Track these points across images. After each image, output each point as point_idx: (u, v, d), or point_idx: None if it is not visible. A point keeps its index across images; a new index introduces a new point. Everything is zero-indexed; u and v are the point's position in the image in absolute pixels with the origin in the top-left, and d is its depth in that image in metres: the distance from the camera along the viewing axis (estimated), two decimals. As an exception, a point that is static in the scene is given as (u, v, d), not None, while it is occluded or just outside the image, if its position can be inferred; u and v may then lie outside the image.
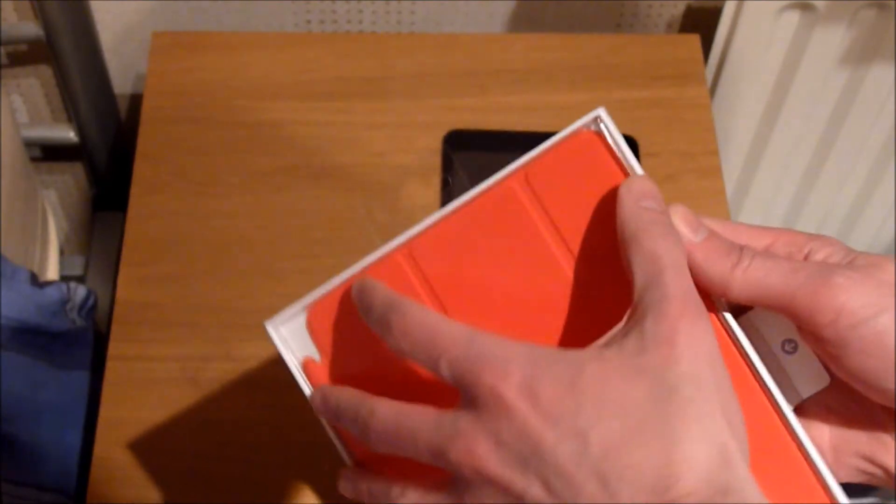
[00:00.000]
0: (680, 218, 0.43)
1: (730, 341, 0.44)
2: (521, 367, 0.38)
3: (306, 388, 0.46)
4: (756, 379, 0.43)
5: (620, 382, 0.38)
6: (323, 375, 0.45)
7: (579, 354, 0.39)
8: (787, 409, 0.43)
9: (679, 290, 0.39)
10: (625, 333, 0.40)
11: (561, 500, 0.37)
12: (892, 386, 0.41)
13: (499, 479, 0.38)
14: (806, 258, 0.44)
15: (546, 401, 0.37)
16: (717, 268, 0.42)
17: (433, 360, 0.40)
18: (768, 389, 0.43)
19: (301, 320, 0.45)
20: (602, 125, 0.45)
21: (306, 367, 0.45)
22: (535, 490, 0.37)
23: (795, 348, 0.44)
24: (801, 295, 0.41)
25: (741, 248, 0.43)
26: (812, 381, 0.44)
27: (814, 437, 0.44)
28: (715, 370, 0.39)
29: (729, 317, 0.44)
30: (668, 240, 0.41)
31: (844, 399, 0.45)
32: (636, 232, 0.41)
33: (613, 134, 0.45)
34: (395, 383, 0.44)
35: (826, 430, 0.45)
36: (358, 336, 0.44)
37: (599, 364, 0.38)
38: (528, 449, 0.37)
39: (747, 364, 0.43)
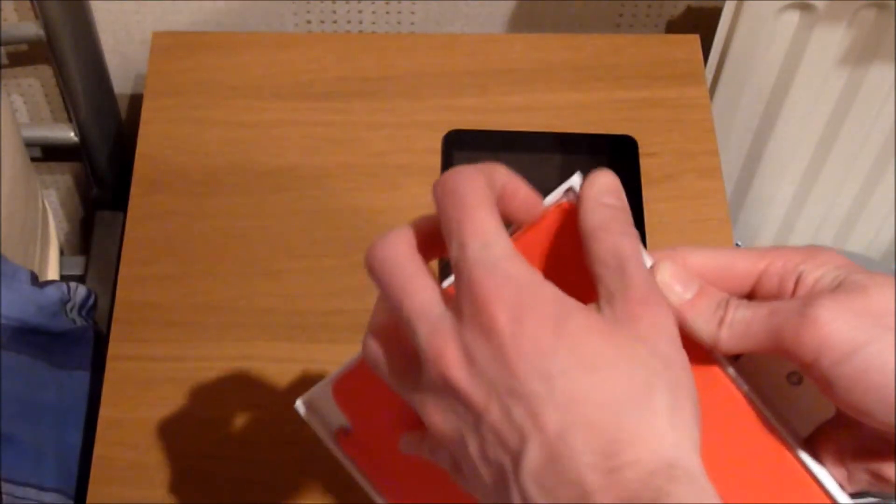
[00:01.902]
0: (670, 275, 0.43)
1: (733, 385, 0.44)
2: (516, 292, 0.39)
3: (340, 456, 0.48)
4: (761, 417, 0.44)
5: (599, 339, 0.39)
6: (355, 443, 0.48)
7: (573, 302, 0.40)
8: (797, 445, 0.43)
9: (641, 279, 0.40)
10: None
11: (517, 430, 0.38)
12: (888, 419, 0.41)
13: (462, 390, 0.39)
14: (797, 284, 0.43)
15: (528, 332, 0.38)
16: (706, 328, 0.43)
17: (453, 234, 0.43)
18: (776, 427, 0.44)
19: (329, 394, 0.48)
20: (575, 194, 0.44)
21: (338, 436, 0.48)
22: (494, 413, 0.38)
23: (801, 380, 0.44)
24: (783, 338, 0.41)
25: (727, 302, 0.43)
26: (819, 411, 0.44)
27: (825, 458, 0.44)
28: (678, 353, 0.40)
29: (730, 369, 0.44)
30: (626, 235, 0.42)
31: (851, 420, 0.45)
32: (596, 228, 0.42)
33: None
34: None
35: (835, 449, 0.45)
36: (382, 401, 0.46)
37: (586, 316, 0.39)
38: (497, 373, 0.38)
39: (751, 404, 0.44)
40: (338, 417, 0.48)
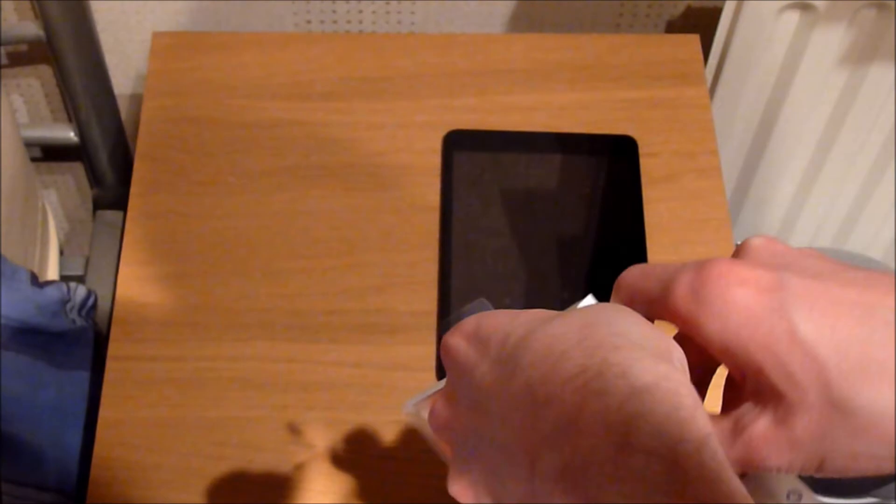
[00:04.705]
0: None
1: None
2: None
3: (445, 458, 0.49)
4: None
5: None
6: None
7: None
8: None
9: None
10: None
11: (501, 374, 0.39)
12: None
13: (462, 352, 0.41)
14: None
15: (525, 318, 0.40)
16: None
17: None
18: None
19: (426, 404, 0.49)
20: None
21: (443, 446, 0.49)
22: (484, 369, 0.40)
23: (800, 497, 0.44)
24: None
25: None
26: None
27: None
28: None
29: None
30: None
31: None
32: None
33: None
34: None
35: None
36: None
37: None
38: (491, 335, 0.41)
39: None
40: None
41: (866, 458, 0.38)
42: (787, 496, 0.44)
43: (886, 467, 0.39)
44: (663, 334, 0.39)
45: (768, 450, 0.39)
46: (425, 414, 0.48)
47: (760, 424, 0.39)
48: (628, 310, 0.40)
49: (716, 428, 0.40)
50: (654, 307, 0.41)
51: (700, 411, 0.35)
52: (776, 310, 0.38)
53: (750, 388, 0.40)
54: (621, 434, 0.34)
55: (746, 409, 0.40)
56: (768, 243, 0.41)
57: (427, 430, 0.48)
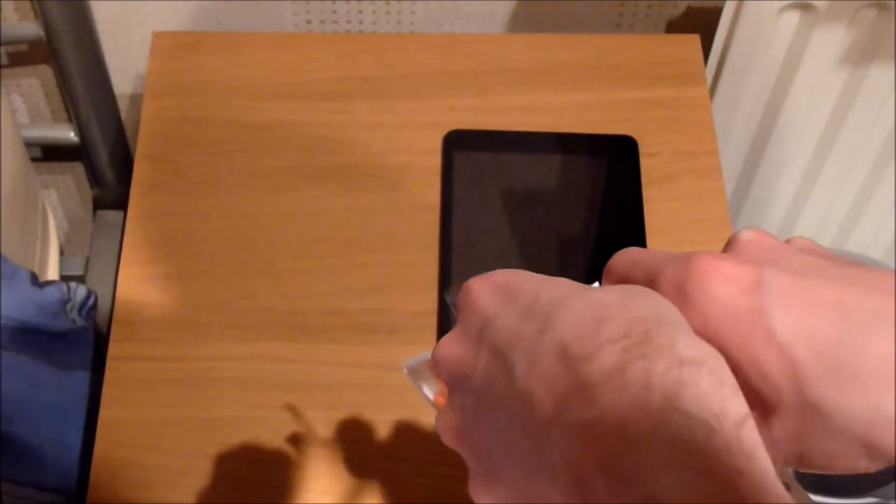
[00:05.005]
0: None
1: None
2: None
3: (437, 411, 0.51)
4: None
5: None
6: None
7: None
8: None
9: None
10: None
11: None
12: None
13: (485, 306, 0.42)
14: None
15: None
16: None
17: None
18: None
19: (426, 366, 0.50)
20: None
21: (438, 401, 0.50)
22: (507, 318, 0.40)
23: (788, 489, 0.45)
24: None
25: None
26: None
27: None
28: None
29: None
30: None
31: None
32: None
33: None
34: None
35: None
36: None
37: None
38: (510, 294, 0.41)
39: None
40: (435, 384, 0.51)
41: (842, 458, 0.38)
42: None
43: (864, 467, 0.39)
44: None
45: None
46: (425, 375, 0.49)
47: None
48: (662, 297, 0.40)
49: None
50: None
51: (740, 393, 0.35)
52: (755, 309, 0.38)
53: None
54: (664, 396, 0.33)
55: None
56: (757, 237, 0.41)
57: (424, 387, 0.50)
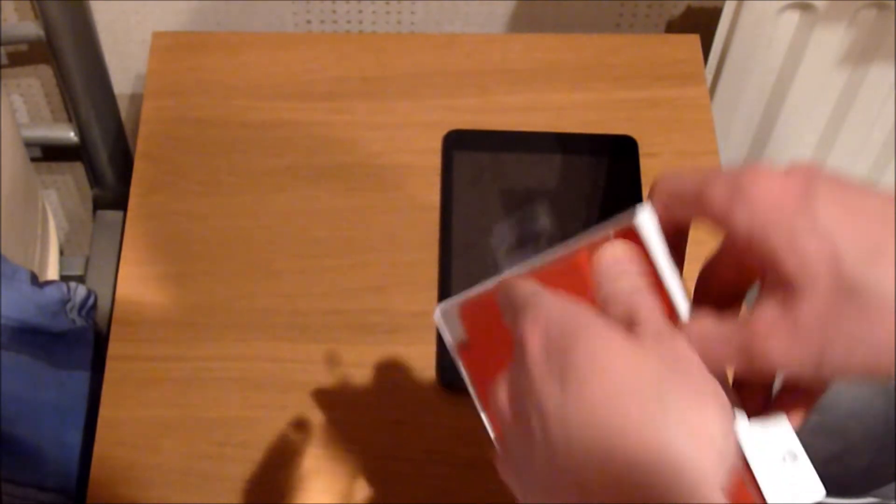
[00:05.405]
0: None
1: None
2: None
3: (459, 364, 0.52)
4: (757, 488, 0.45)
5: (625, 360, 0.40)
6: (471, 358, 0.53)
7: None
8: None
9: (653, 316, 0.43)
10: None
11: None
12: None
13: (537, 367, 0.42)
14: None
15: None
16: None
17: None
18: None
19: (457, 310, 0.52)
20: (643, 227, 0.46)
21: (460, 348, 0.52)
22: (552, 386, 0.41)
23: (795, 458, 0.45)
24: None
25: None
26: (810, 491, 0.45)
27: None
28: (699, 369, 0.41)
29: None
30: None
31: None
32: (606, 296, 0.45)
33: (648, 239, 0.47)
34: None
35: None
36: (496, 331, 0.49)
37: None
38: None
39: (751, 474, 0.45)
40: (462, 332, 0.52)
41: (865, 348, 0.39)
42: (783, 458, 0.45)
43: (885, 364, 0.40)
44: (715, 384, 0.41)
45: (770, 336, 0.40)
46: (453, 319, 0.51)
47: (766, 310, 0.41)
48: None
49: (725, 327, 0.42)
50: (689, 206, 0.44)
51: None
52: (801, 197, 0.40)
53: (766, 287, 0.42)
54: None
55: (757, 307, 0.42)
56: (812, 163, 0.43)
57: (447, 333, 0.52)
